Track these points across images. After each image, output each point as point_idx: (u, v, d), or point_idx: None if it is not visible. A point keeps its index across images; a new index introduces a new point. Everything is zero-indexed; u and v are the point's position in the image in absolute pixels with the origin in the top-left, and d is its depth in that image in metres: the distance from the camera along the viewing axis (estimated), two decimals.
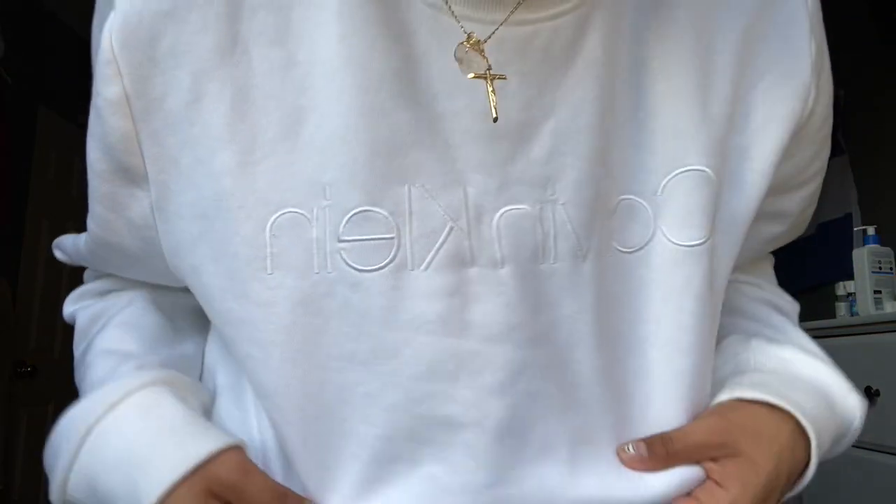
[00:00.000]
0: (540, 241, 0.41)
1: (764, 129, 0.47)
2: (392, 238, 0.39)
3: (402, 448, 0.40)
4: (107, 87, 0.39)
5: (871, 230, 1.78)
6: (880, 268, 1.71)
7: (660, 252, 0.44)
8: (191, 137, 0.40)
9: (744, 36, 0.46)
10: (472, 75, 0.38)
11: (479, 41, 0.38)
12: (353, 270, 0.39)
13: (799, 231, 0.61)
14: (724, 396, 0.46)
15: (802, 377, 0.52)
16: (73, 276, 3.32)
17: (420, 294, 0.39)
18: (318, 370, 0.40)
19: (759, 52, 0.47)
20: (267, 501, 0.40)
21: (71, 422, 0.48)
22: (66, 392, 3.29)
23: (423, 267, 0.39)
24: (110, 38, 0.38)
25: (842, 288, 1.88)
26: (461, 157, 0.40)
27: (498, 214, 0.40)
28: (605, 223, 0.43)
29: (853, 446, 1.63)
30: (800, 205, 0.56)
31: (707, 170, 0.44)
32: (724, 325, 0.52)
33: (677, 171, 0.44)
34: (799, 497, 1.92)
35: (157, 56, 0.39)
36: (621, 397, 0.44)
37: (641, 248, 0.44)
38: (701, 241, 0.44)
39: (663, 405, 0.44)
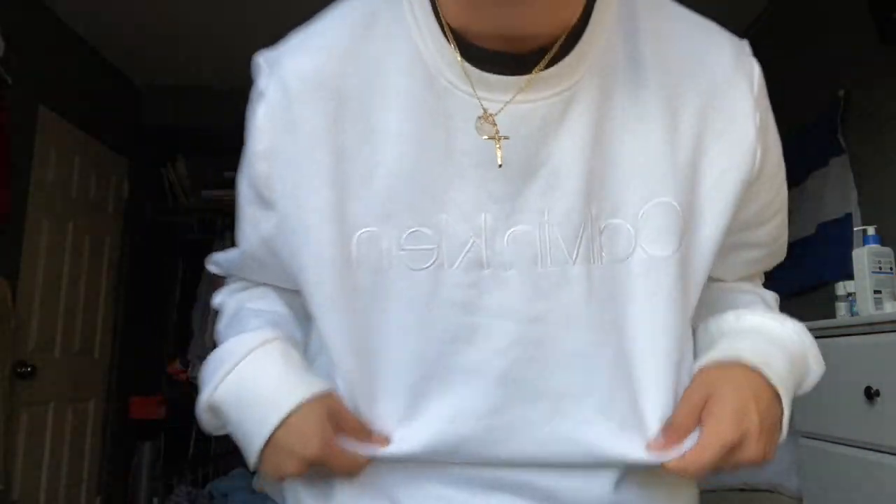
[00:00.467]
0: (537, 251, 0.59)
1: (720, 182, 0.62)
2: (433, 248, 0.59)
3: (432, 387, 0.61)
4: (256, 144, 0.64)
5: (871, 230, 1.78)
6: (880, 268, 1.72)
7: (639, 261, 0.60)
8: (304, 180, 0.61)
9: (702, 110, 0.62)
10: (485, 137, 0.58)
11: (491, 115, 0.58)
12: (408, 270, 0.59)
13: (779, 257, 0.83)
14: (701, 362, 0.65)
15: (754, 331, 0.71)
16: (73, 277, 3.36)
17: (450, 285, 0.59)
18: (379, 336, 0.61)
19: (714, 122, 0.62)
20: (358, 428, 0.62)
21: (231, 346, 0.66)
22: (66, 392, 3.31)
23: (454, 267, 0.59)
24: (262, 114, 0.64)
25: (842, 288, 1.88)
26: (482, 193, 0.59)
27: (508, 233, 0.59)
28: (596, 239, 0.59)
29: (853, 446, 1.62)
30: (770, 234, 0.78)
31: (675, 203, 0.60)
32: (717, 303, 0.73)
33: (652, 203, 0.60)
34: (799, 497, 1.90)
35: (287, 130, 0.62)
36: (604, 365, 0.60)
37: (626, 259, 0.60)
38: (670, 253, 0.60)
39: (642, 373, 0.61)
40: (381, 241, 0.60)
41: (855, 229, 2.28)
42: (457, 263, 0.59)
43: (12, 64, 2.70)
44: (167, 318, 4.13)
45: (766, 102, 0.67)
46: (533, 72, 0.58)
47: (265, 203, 0.66)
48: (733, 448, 0.59)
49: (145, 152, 3.90)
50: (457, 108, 0.59)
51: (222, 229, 3.99)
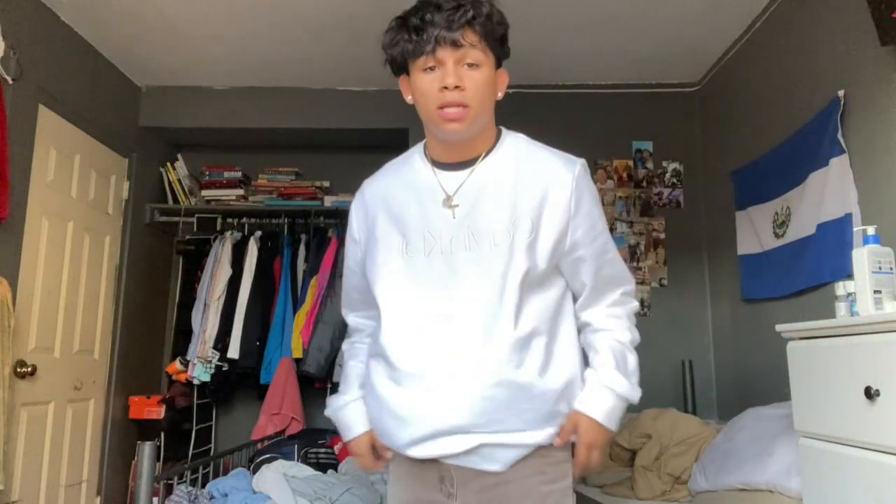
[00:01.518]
0: (463, 254, 1.32)
1: (546, 231, 1.30)
2: (423, 246, 1.34)
3: (431, 326, 1.30)
4: (353, 221, 1.48)
5: (871, 230, 1.78)
6: (880, 268, 1.71)
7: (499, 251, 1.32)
8: (370, 241, 1.41)
9: (540, 199, 1.31)
10: (445, 206, 1.35)
11: (449, 196, 1.35)
12: (416, 259, 1.34)
13: (617, 280, 1.41)
14: (574, 406, 1.34)
15: (598, 384, 1.34)
16: (73, 277, 3.34)
17: (428, 266, 1.33)
18: (406, 295, 1.34)
19: (546, 201, 1.31)
20: (381, 448, 1.40)
21: (343, 399, 1.48)
22: (66, 392, 3.29)
23: (431, 256, 1.33)
24: (354, 209, 1.48)
25: (842, 288, 1.87)
26: (441, 230, 1.33)
27: (450, 242, 1.33)
28: (489, 249, 1.31)
29: (853, 446, 1.62)
30: (595, 253, 1.36)
31: (529, 225, 1.31)
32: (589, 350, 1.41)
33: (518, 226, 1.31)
34: (799, 497, 1.89)
35: (364, 213, 1.46)
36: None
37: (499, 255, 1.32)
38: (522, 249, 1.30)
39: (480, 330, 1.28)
40: (400, 254, 1.35)
41: (855, 229, 2.28)
42: (429, 253, 1.33)
43: (12, 64, 2.70)
44: (167, 318, 4.13)
45: (583, 184, 1.34)
46: (472, 167, 1.37)
47: (355, 243, 1.47)
48: (593, 454, 1.33)
49: (145, 152, 3.90)
50: (426, 188, 1.38)
51: (222, 229, 3.99)
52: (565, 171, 1.32)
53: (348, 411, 1.44)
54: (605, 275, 1.36)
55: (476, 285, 1.27)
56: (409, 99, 1.37)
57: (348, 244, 1.48)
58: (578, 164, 1.34)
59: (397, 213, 1.37)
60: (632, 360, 1.36)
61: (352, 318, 1.55)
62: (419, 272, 1.31)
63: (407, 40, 1.28)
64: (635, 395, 1.33)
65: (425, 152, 1.41)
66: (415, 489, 1.35)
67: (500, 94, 1.35)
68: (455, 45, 1.25)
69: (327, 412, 1.49)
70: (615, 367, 1.32)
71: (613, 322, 1.37)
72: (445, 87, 1.25)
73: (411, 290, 1.32)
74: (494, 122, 1.38)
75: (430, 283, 1.30)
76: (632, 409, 3.24)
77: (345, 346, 1.56)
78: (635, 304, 1.43)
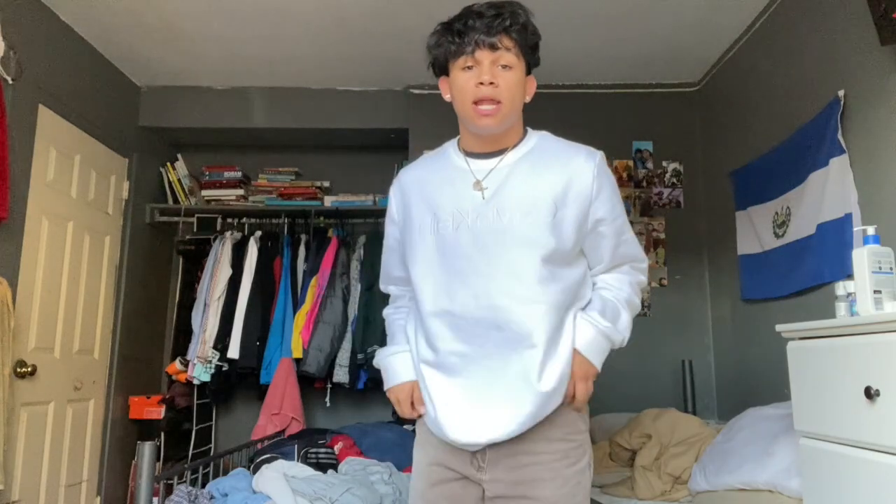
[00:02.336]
0: (488, 227, 1.46)
1: (570, 212, 1.46)
2: (451, 223, 1.48)
3: (454, 288, 1.46)
4: (392, 203, 1.64)
5: (871, 230, 1.77)
6: (880, 268, 1.71)
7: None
8: (407, 221, 1.57)
9: (565, 184, 1.46)
10: (475, 188, 1.49)
11: (479, 181, 1.49)
12: (445, 234, 1.48)
13: (630, 255, 1.57)
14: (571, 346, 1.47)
15: (581, 319, 1.48)
16: (73, 277, 3.34)
17: (455, 240, 1.47)
18: (438, 267, 1.49)
19: (571, 187, 1.46)
20: (418, 398, 1.51)
21: (385, 350, 1.60)
22: (66, 392, 3.29)
23: (458, 230, 1.47)
24: (392, 193, 1.64)
25: (842, 288, 1.87)
26: (469, 209, 1.48)
27: (476, 219, 1.47)
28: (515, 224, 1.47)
29: (853, 446, 1.61)
30: (613, 231, 1.51)
31: (550, 206, 1.45)
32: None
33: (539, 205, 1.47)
34: (799, 497, 1.89)
35: (402, 196, 1.61)
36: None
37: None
38: (541, 237, 1.44)
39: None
40: (434, 230, 1.49)
41: (855, 229, 2.28)
42: (459, 229, 1.46)
43: (12, 64, 2.70)
44: (167, 318, 4.13)
45: (603, 172, 1.50)
46: (502, 156, 1.51)
47: (394, 222, 1.62)
48: (579, 385, 1.45)
49: (145, 152, 3.90)
50: (459, 175, 1.52)
51: (222, 229, 3.99)
52: (587, 160, 1.48)
53: (396, 359, 1.55)
54: (621, 252, 1.54)
55: (500, 257, 1.42)
56: (447, 97, 1.53)
57: (387, 225, 1.65)
58: (598, 155, 1.50)
59: (429, 196, 1.53)
60: (624, 315, 1.51)
61: (392, 289, 1.70)
62: (447, 246, 1.47)
63: (450, 42, 1.46)
64: (617, 336, 1.48)
65: (458, 145, 1.57)
66: (444, 455, 1.47)
67: (528, 98, 1.52)
68: (492, 47, 1.43)
69: (375, 360, 1.62)
70: (601, 311, 1.48)
71: (616, 282, 1.54)
72: (481, 83, 1.42)
73: (439, 262, 1.47)
74: (522, 122, 1.55)
75: (456, 255, 1.46)
76: (632, 409, 3.26)
77: (387, 311, 1.70)
78: (644, 278, 1.59)
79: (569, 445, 1.45)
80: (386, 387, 1.57)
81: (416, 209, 1.54)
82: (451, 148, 1.58)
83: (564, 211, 1.44)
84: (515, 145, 1.52)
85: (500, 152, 1.51)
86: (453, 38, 1.45)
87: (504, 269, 1.41)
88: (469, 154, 1.53)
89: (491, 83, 1.42)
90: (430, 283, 1.48)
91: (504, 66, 1.44)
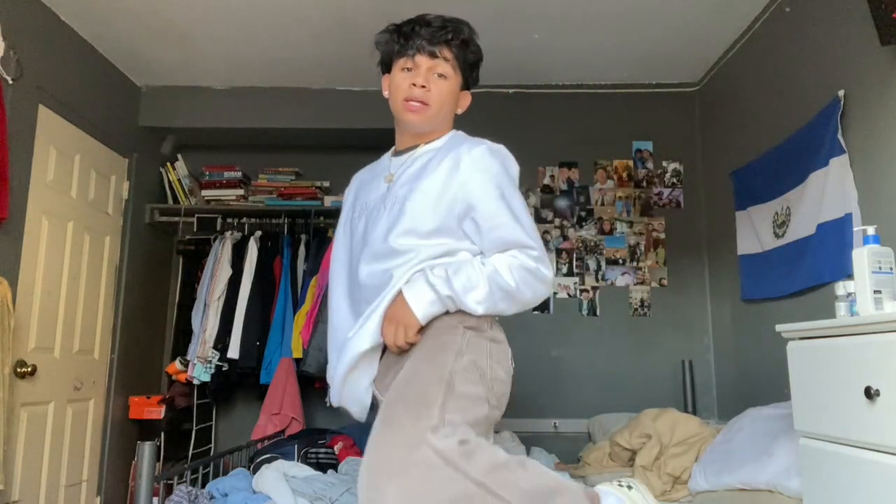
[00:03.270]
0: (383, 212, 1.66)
1: (437, 195, 1.59)
2: (359, 215, 1.74)
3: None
4: (347, 195, 1.86)
5: (871, 230, 1.77)
6: (880, 268, 1.71)
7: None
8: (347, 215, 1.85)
9: (442, 172, 1.59)
10: (385, 181, 1.72)
11: (392, 175, 1.70)
12: (355, 225, 1.75)
13: (498, 241, 1.59)
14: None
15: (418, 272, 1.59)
16: (72, 277, 3.33)
17: (355, 229, 1.75)
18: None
19: (451, 176, 1.59)
20: None
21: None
22: (66, 392, 3.28)
23: (360, 219, 1.74)
24: (349, 189, 1.87)
25: (842, 288, 1.87)
26: (374, 200, 1.71)
27: (374, 208, 1.69)
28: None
29: (853, 446, 1.61)
30: (484, 219, 1.56)
31: (435, 194, 1.62)
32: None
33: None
34: (799, 497, 1.89)
35: (351, 192, 1.86)
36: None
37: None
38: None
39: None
40: (351, 218, 1.75)
41: (855, 229, 2.28)
42: (362, 216, 1.70)
43: (12, 64, 2.70)
44: (167, 318, 4.13)
45: (478, 162, 1.57)
46: (413, 151, 1.69)
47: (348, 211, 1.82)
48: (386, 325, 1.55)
49: (145, 152, 3.90)
50: (381, 170, 1.74)
51: (222, 229, 3.99)
52: (468, 150, 1.58)
53: None
54: (495, 236, 1.56)
55: (375, 238, 1.60)
56: (385, 94, 1.69)
57: (340, 223, 1.82)
58: (482, 147, 1.59)
59: (362, 195, 1.74)
60: (472, 280, 1.52)
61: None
62: (353, 236, 1.70)
63: (395, 42, 1.62)
64: (445, 290, 1.50)
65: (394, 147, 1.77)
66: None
67: (459, 110, 1.71)
68: (431, 55, 1.59)
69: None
70: (444, 271, 1.52)
71: (492, 260, 1.55)
72: (414, 84, 1.59)
73: (343, 251, 1.73)
74: (450, 128, 1.72)
75: (355, 243, 1.68)
76: (632, 410, 3.26)
77: None
78: (532, 264, 1.55)
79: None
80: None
81: (349, 208, 1.78)
82: (388, 152, 1.77)
83: (431, 195, 1.56)
84: (429, 142, 1.67)
85: (413, 148, 1.67)
86: (399, 40, 1.61)
87: (379, 235, 1.60)
88: (395, 153, 1.72)
89: (423, 87, 1.58)
90: (335, 284, 1.76)
91: (440, 75, 1.60)
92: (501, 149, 1.61)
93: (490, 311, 1.52)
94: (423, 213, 1.55)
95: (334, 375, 1.64)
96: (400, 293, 1.51)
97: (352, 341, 1.57)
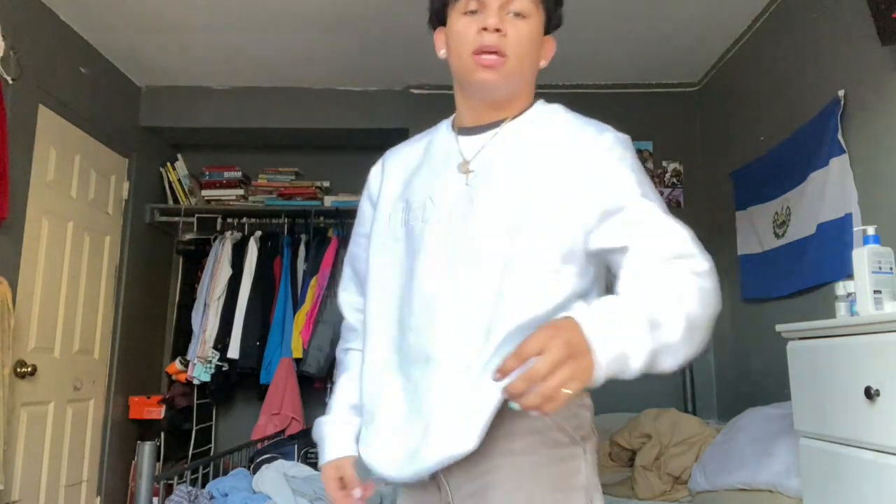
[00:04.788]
0: (453, 217, 1.12)
1: (572, 207, 1.09)
2: (421, 217, 1.16)
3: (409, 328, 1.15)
4: (371, 184, 1.33)
5: (871, 230, 1.77)
6: (880, 268, 1.71)
7: None
8: (377, 209, 1.26)
9: (567, 172, 1.09)
10: (459, 170, 1.15)
11: (466, 161, 1.16)
12: (412, 229, 1.18)
13: (666, 241, 1.08)
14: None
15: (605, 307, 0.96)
16: (72, 277, 3.34)
17: (423, 239, 1.18)
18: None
19: (572, 176, 1.10)
20: (348, 481, 1.18)
21: (329, 418, 1.26)
22: (66, 392, 3.28)
23: (426, 224, 1.16)
24: (373, 171, 1.34)
25: (842, 288, 1.87)
26: (445, 198, 1.14)
27: (450, 211, 1.13)
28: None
29: (853, 446, 1.61)
30: (636, 226, 1.06)
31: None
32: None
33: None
34: (799, 497, 1.89)
35: (382, 176, 1.29)
36: None
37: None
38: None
39: None
40: (406, 217, 1.18)
41: (855, 229, 2.28)
42: (430, 222, 1.16)
43: (12, 64, 2.70)
44: (167, 318, 4.13)
45: (616, 154, 1.10)
46: (497, 130, 1.18)
47: (371, 208, 1.29)
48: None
49: (145, 152, 3.90)
50: (449, 156, 1.19)
51: (222, 229, 3.99)
52: (593, 136, 1.11)
53: (330, 432, 1.24)
54: (656, 246, 1.05)
55: (468, 271, 1.06)
56: (441, 53, 1.21)
57: (362, 209, 1.33)
58: (610, 133, 1.13)
59: (408, 181, 1.22)
60: (673, 314, 0.95)
61: (347, 311, 1.34)
62: (407, 240, 1.15)
63: None
64: (648, 341, 0.92)
65: (453, 122, 1.25)
66: None
67: (543, 62, 1.21)
68: None
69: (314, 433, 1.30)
70: (627, 301, 0.98)
71: (663, 278, 1.01)
72: (485, 29, 1.10)
73: (398, 270, 1.15)
74: (533, 94, 1.22)
75: (410, 249, 1.14)
76: (632, 410, 3.26)
77: (338, 353, 1.35)
78: (698, 269, 1.03)
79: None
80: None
81: (390, 195, 1.24)
82: (444, 124, 1.27)
83: (563, 208, 1.07)
84: (515, 116, 1.17)
85: (495, 125, 1.17)
86: None
87: (471, 243, 1.09)
88: (461, 130, 1.20)
89: (497, 30, 1.09)
90: (375, 315, 1.18)
91: (516, 14, 1.12)
92: (628, 138, 1.15)
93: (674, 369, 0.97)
94: (542, 226, 1.05)
95: (380, 450, 1.10)
96: (571, 322, 0.89)
97: (441, 432, 1.02)
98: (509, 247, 1.05)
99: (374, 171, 1.33)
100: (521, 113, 1.18)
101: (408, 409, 1.07)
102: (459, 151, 1.17)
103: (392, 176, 1.26)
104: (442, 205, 1.12)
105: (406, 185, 1.21)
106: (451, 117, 1.26)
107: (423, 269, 1.10)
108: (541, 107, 1.21)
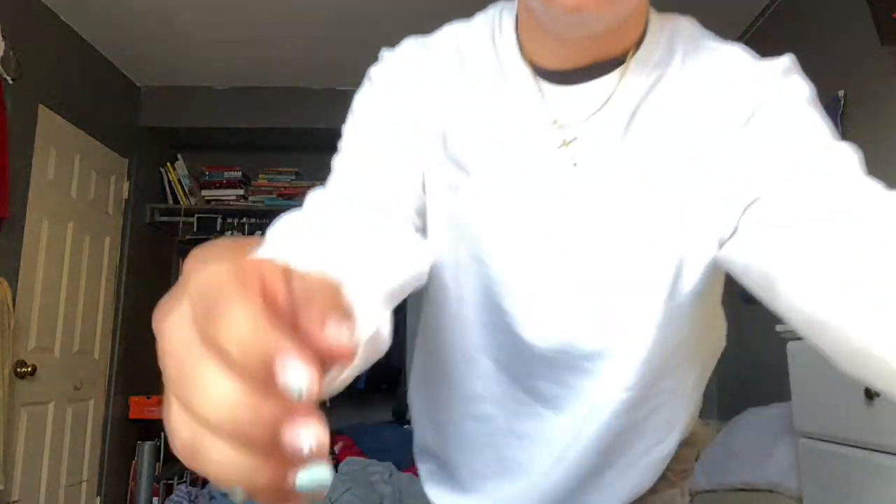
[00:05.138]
0: (566, 223, 0.71)
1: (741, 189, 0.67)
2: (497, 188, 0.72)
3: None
4: (391, 77, 0.81)
5: None
6: None
7: None
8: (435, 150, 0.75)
9: (737, 136, 0.68)
10: (563, 144, 0.68)
11: (561, 123, 0.68)
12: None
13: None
14: None
15: None
16: (72, 277, 3.34)
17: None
18: None
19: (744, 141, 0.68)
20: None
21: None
22: (66, 392, 3.28)
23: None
24: (396, 61, 0.81)
25: None
26: (548, 193, 0.70)
27: (563, 213, 0.70)
28: None
29: (853, 446, 1.61)
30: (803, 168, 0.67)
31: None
32: None
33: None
34: (799, 497, 1.89)
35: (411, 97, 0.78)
36: None
37: None
38: None
39: None
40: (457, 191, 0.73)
41: None
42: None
43: (12, 64, 2.70)
44: None
45: (805, 100, 0.68)
46: (620, 77, 0.69)
47: (392, 111, 0.79)
48: None
49: (145, 152, 3.90)
50: (532, 118, 0.70)
51: (222, 229, 3.99)
52: (778, 79, 0.68)
53: None
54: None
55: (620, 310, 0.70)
56: None
57: (369, 108, 0.82)
58: (792, 70, 0.69)
59: (450, 128, 0.72)
60: None
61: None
62: (461, 218, 0.72)
63: None
64: None
65: (520, 47, 0.70)
66: None
67: None
68: None
69: None
70: None
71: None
72: None
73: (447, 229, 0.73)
74: (647, 4, 0.73)
75: (468, 233, 0.71)
76: None
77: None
78: None
79: None
80: None
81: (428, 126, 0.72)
82: (507, 47, 0.71)
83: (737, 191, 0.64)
84: (636, 53, 0.69)
85: (607, 68, 0.68)
86: None
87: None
88: (543, 74, 0.69)
89: None
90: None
91: None
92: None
93: None
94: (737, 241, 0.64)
95: None
96: None
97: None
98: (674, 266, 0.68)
99: (384, 90, 0.81)
100: (639, 43, 0.69)
101: None
102: (542, 100, 0.68)
103: (430, 122, 0.73)
104: (514, 167, 0.69)
105: (447, 138, 0.71)
106: (511, 27, 0.71)
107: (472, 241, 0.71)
108: (666, 28, 0.75)
